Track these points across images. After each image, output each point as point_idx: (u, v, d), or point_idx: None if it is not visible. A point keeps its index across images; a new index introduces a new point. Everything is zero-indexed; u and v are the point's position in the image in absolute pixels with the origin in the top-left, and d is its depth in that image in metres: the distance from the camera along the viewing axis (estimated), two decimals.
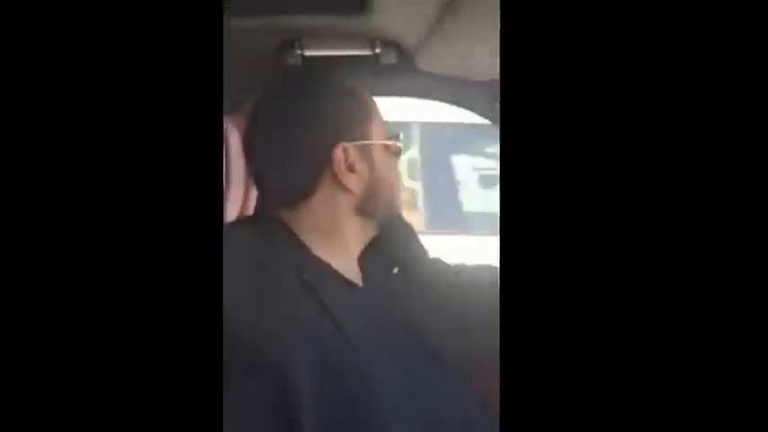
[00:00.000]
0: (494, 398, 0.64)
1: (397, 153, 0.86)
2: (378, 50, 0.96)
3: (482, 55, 0.95)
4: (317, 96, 0.81)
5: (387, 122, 0.85)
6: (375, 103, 0.85)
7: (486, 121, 1.18)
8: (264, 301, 0.71)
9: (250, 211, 0.97)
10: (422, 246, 0.99)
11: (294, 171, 0.80)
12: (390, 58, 0.98)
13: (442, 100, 1.21)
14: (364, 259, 0.86)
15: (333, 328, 0.73)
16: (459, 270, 1.01)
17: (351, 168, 0.79)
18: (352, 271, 0.83)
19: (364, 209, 0.82)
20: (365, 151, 0.81)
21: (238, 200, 0.88)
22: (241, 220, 0.90)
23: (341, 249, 0.82)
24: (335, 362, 0.71)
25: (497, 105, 1.13)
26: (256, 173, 0.84)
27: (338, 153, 0.78)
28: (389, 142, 0.84)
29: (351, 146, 0.79)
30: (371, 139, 0.81)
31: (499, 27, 0.47)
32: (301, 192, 0.80)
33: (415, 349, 0.82)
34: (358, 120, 0.81)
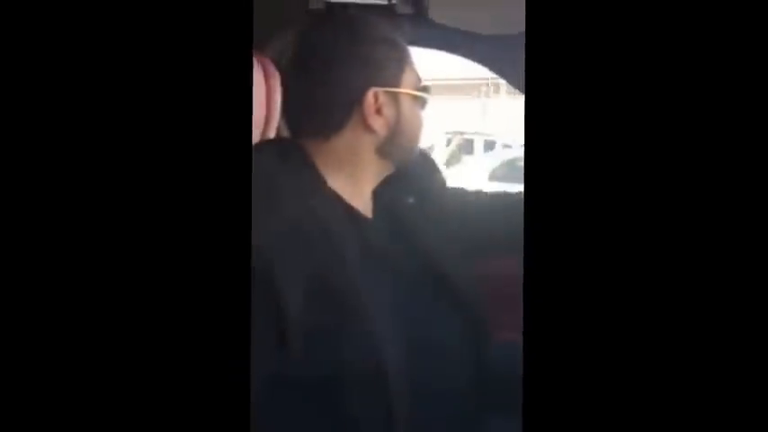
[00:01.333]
0: (508, 325, 0.70)
1: (423, 104, 0.93)
2: (394, 0, 1.02)
3: (496, 9, 1.01)
4: (356, 40, 0.88)
5: (417, 73, 0.91)
6: (409, 53, 0.91)
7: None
8: (268, 221, 0.78)
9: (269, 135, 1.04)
10: (442, 176, 1.07)
11: (325, 107, 0.88)
12: (406, 8, 1.04)
13: (455, 53, 1.26)
14: (377, 192, 0.93)
15: (331, 252, 0.81)
16: (478, 195, 1.09)
17: (378, 111, 0.87)
18: (362, 203, 0.90)
19: (385, 150, 0.89)
20: (394, 97, 0.88)
21: (258, 130, 0.95)
22: (264, 143, 0.97)
23: (354, 184, 0.89)
24: (329, 283, 0.80)
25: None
26: (285, 103, 0.93)
27: (369, 96, 0.86)
28: (417, 93, 0.91)
29: (381, 91, 0.87)
30: (401, 87, 0.89)
31: None
32: (329, 127, 0.87)
33: (419, 276, 0.90)
34: (391, 66, 0.88)
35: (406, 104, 0.90)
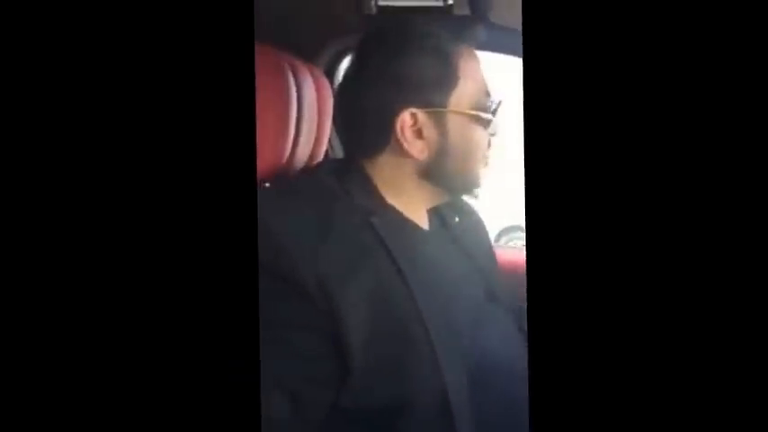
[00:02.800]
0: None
1: (485, 123, 0.82)
2: (450, 1, 0.96)
3: None
4: (391, 55, 0.80)
5: (484, 92, 0.81)
6: (467, 66, 0.81)
7: None
8: (328, 238, 0.74)
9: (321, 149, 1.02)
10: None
11: (364, 128, 0.82)
12: (464, 9, 0.97)
13: (515, 55, 1.19)
14: (434, 210, 0.88)
15: (391, 268, 0.76)
16: None
17: (418, 134, 0.79)
18: (421, 219, 0.85)
19: (431, 175, 0.82)
20: (438, 117, 0.80)
21: (309, 144, 0.92)
22: (328, 162, 0.94)
23: (410, 203, 0.84)
24: (390, 300, 0.75)
25: None
26: (337, 122, 0.87)
27: (403, 117, 0.79)
28: (472, 112, 0.81)
29: (420, 111, 0.79)
30: (450, 106, 0.80)
31: None
32: (374, 146, 0.82)
33: (470, 291, 0.85)
34: (435, 83, 0.79)
35: (455, 124, 0.80)
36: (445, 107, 0.79)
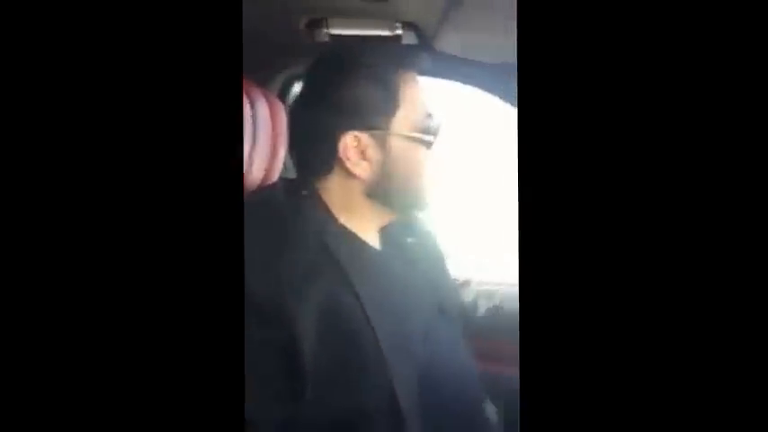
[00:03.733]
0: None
1: (426, 144, 0.86)
2: (399, 32, 1.02)
3: (497, 38, 1.01)
4: (336, 81, 0.84)
5: (426, 114, 0.85)
6: (408, 92, 0.85)
7: None
8: (283, 257, 0.78)
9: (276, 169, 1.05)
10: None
11: (312, 149, 0.87)
12: (411, 39, 1.03)
13: (460, 81, 1.26)
14: (386, 229, 0.92)
15: (344, 284, 0.80)
16: None
17: (362, 155, 0.84)
18: (372, 238, 0.89)
19: (377, 194, 0.86)
20: (380, 139, 0.84)
21: (263, 164, 0.95)
22: (279, 183, 0.97)
23: (362, 222, 0.88)
24: (342, 314, 0.78)
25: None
26: (289, 144, 0.91)
27: (346, 140, 0.83)
28: (412, 134, 0.85)
29: (363, 134, 0.83)
30: (391, 128, 0.84)
31: (516, 11, 0.49)
32: (323, 168, 0.86)
33: (421, 305, 0.89)
34: (376, 108, 0.83)
35: (396, 145, 0.85)
36: (387, 130, 0.84)
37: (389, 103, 0.84)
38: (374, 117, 0.84)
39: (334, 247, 0.82)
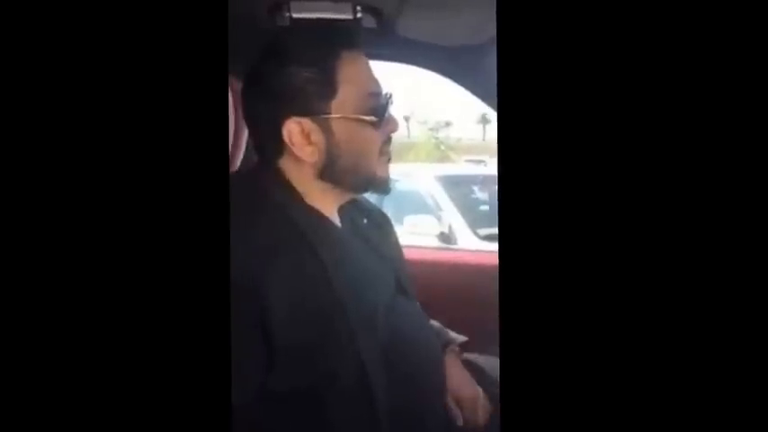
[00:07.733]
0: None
1: (372, 124, 0.88)
2: (359, 15, 1.03)
3: (456, 22, 1.03)
4: (274, 70, 0.87)
5: (368, 94, 0.87)
6: (349, 73, 0.87)
7: None
8: (251, 232, 0.80)
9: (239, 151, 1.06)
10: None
11: (263, 135, 0.90)
12: (370, 23, 1.05)
13: (419, 65, 1.28)
14: (344, 210, 0.96)
15: (310, 255, 0.83)
16: None
17: (307, 139, 0.86)
18: (333, 216, 0.93)
19: (327, 176, 0.89)
20: (324, 123, 0.86)
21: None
22: (245, 164, 0.99)
23: (320, 202, 0.90)
24: (310, 286, 0.81)
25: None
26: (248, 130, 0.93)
27: (290, 126, 0.85)
28: (354, 116, 0.87)
29: (305, 119, 0.85)
30: (332, 112, 0.86)
31: None
32: (274, 153, 0.89)
33: (382, 281, 0.94)
34: (315, 93, 0.85)
35: (340, 128, 0.87)
36: (328, 113, 0.86)
37: (327, 87, 0.86)
38: (314, 102, 0.86)
39: (298, 221, 0.85)
